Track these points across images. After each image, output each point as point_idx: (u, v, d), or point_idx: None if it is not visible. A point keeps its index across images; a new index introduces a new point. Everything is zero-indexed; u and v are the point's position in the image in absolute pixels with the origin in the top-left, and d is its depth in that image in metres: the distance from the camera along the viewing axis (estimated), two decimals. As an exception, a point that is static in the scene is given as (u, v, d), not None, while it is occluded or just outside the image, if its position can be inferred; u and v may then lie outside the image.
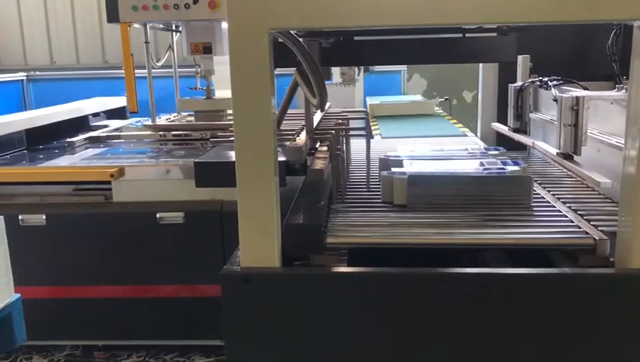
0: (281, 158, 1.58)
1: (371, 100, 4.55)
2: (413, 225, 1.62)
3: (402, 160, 2.06)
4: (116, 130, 3.88)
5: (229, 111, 3.62)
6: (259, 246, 1.40)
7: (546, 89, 2.35)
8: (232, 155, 1.43)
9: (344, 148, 2.18)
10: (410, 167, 1.97)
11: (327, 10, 1.33)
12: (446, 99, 4.76)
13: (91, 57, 7.01)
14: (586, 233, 1.51)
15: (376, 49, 1.95)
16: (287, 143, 1.81)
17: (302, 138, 1.87)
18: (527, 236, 1.52)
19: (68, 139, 3.42)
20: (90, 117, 4.15)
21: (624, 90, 1.87)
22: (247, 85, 1.34)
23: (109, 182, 2.70)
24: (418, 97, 4.37)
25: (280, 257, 1.43)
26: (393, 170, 1.93)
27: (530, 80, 2.54)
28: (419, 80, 5.99)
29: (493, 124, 2.85)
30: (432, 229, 1.57)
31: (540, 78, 2.46)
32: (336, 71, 4.85)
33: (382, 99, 4.73)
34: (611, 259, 1.44)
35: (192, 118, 4.07)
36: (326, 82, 1.67)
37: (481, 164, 1.98)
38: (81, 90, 5.46)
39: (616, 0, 1.26)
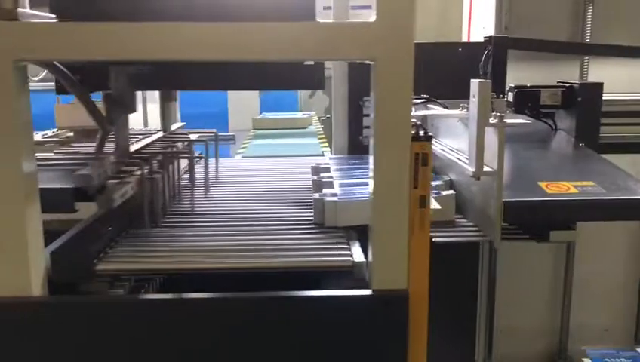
0: (58, 186, 1.58)
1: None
2: (200, 249, 1.65)
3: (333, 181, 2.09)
4: None
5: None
6: (12, 275, 1.40)
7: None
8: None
9: (173, 171, 2.21)
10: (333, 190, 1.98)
11: (81, 42, 1.36)
12: (327, 117, 4.89)
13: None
14: (350, 255, 1.59)
15: (188, 75, 1.99)
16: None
17: (103, 162, 1.85)
18: (289, 259, 1.58)
19: None
20: None
21: (465, 110, 1.97)
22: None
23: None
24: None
25: (42, 285, 1.44)
26: (325, 191, 1.95)
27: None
28: (322, 97, 6.16)
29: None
30: (205, 254, 1.61)
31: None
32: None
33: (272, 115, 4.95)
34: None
35: (72, 134, 3.88)
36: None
37: None
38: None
39: (344, 44, 1.34)
